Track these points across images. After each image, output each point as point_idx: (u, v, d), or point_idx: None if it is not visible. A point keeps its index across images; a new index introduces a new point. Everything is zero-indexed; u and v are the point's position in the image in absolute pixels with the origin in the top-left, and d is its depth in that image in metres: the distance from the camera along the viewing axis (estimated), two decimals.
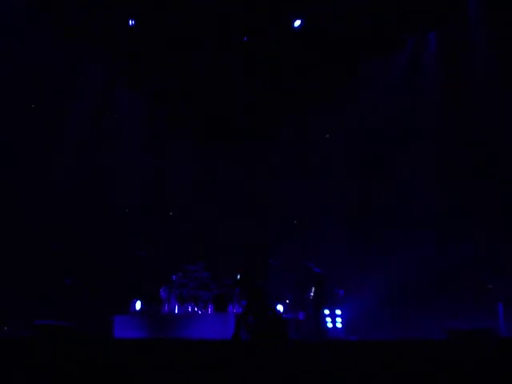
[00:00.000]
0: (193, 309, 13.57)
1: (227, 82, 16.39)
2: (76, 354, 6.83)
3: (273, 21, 14.86)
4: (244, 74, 16.16)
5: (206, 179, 17.76)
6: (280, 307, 13.38)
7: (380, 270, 13.94)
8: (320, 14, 14.60)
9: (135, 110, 17.77)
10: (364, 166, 15.86)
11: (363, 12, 14.40)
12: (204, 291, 13.74)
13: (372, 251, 14.83)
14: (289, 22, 15.00)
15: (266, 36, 15.24)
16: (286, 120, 16.89)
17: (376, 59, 16.23)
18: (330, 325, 13.54)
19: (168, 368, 5.72)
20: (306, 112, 16.95)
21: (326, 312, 13.42)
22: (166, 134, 17.89)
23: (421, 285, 13.69)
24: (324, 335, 12.85)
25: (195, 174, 17.91)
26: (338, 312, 13.75)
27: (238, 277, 11.08)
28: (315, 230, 15.92)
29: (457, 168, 14.44)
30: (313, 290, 12.95)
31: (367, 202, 15.66)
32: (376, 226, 15.20)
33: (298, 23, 14.98)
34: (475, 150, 14.14)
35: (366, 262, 14.66)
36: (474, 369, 5.25)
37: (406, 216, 14.69)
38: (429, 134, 15.11)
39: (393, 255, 13.98)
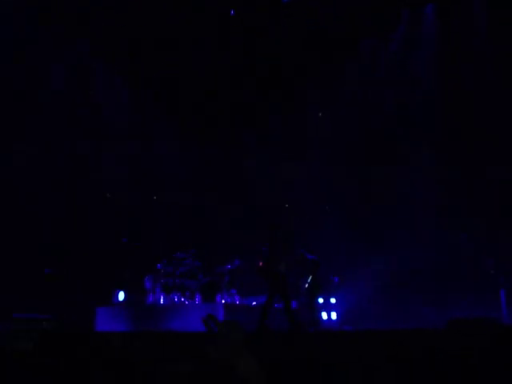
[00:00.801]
0: (179, 299, 13.62)
1: (216, 67, 16.43)
2: (56, 347, 6.78)
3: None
4: (234, 57, 16.21)
5: (199, 167, 17.75)
6: None
7: (377, 257, 14.06)
8: None
9: (121, 97, 17.76)
10: (362, 152, 15.99)
11: None
12: (191, 280, 13.86)
13: (369, 237, 14.98)
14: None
15: (255, 15, 15.28)
16: (280, 109, 16.92)
17: (371, 37, 16.24)
18: (324, 316, 13.71)
19: (153, 362, 5.69)
20: (305, 103, 16.98)
21: (320, 301, 13.49)
22: (155, 122, 17.88)
23: (420, 272, 13.93)
24: (318, 325, 12.91)
25: (187, 162, 17.88)
26: (333, 301, 13.82)
27: (260, 263, 10.99)
28: (310, 216, 16.00)
29: (455, 150, 14.68)
30: (310, 278, 12.98)
31: (366, 189, 15.77)
32: (374, 213, 15.37)
33: None
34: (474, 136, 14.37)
35: (363, 249, 14.79)
36: (474, 359, 5.28)
37: (406, 202, 14.89)
38: (428, 119, 15.22)
39: (391, 241, 14.13)
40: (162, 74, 16.75)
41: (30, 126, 15.04)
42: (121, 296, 14.01)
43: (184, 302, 13.58)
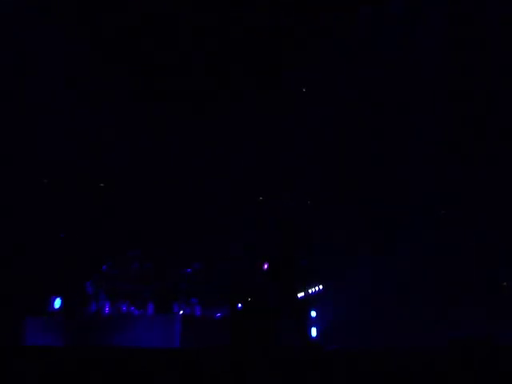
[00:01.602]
0: (128, 308, 13.50)
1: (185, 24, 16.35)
2: None
3: None
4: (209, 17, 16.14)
5: (157, 150, 17.61)
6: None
7: (370, 262, 14.12)
8: None
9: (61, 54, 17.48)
10: (355, 143, 16.07)
11: None
12: (143, 286, 13.73)
13: (361, 238, 14.95)
14: None
15: None
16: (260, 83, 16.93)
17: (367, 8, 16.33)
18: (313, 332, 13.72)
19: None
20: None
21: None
22: (105, 91, 17.64)
23: (421, 283, 13.92)
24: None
25: (140, 139, 17.72)
26: (313, 314, 13.88)
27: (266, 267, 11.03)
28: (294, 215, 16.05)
29: (461, 145, 14.87)
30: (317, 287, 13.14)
31: (360, 187, 15.84)
32: (370, 213, 15.36)
33: None
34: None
35: (353, 252, 14.77)
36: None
37: (406, 202, 14.93)
38: (431, 102, 15.38)
39: (388, 245, 14.21)
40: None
41: None
42: (57, 303, 13.82)
43: (133, 312, 13.43)
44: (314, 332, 13.77)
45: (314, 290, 13.16)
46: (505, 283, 12.77)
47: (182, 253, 14.35)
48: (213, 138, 17.12)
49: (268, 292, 10.79)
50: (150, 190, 16.99)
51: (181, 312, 13.01)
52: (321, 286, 13.20)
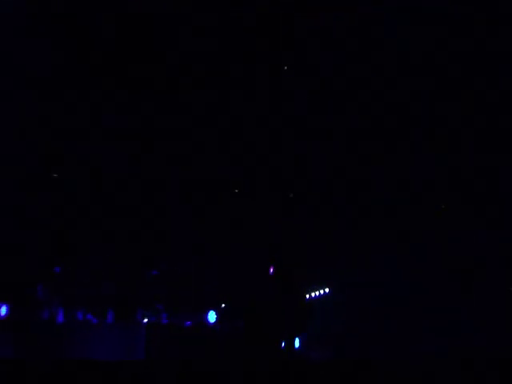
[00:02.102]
0: (84, 316, 13.37)
1: None
2: None
3: None
4: None
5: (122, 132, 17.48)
6: (212, 315, 13.37)
7: (364, 265, 14.15)
8: None
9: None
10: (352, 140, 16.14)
11: None
12: (102, 290, 13.57)
13: (353, 238, 14.93)
14: None
15: None
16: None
17: None
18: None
19: None
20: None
21: None
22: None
23: (421, 287, 14.00)
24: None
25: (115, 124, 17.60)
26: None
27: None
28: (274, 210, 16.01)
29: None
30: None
31: (352, 183, 15.89)
32: (362, 207, 15.38)
33: None
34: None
35: (345, 253, 14.72)
36: None
37: (406, 192, 14.95)
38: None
39: (384, 244, 14.25)
40: None
41: None
42: (2, 311, 13.50)
43: (91, 320, 13.32)
44: (297, 343, 13.80)
45: (317, 293, 13.18)
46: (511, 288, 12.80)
47: (147, 253, 14.02)
48: (208, 138, 17.23)
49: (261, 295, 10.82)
50: (112, 186, 16.85)
51: (145, 320, 12.95)
52: (326, 289, 13.18)
